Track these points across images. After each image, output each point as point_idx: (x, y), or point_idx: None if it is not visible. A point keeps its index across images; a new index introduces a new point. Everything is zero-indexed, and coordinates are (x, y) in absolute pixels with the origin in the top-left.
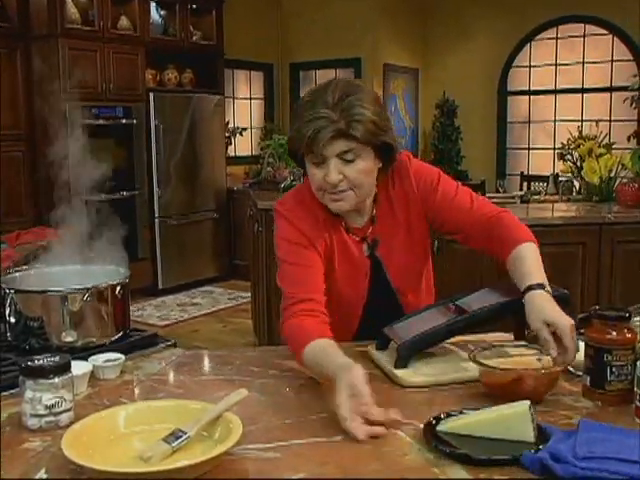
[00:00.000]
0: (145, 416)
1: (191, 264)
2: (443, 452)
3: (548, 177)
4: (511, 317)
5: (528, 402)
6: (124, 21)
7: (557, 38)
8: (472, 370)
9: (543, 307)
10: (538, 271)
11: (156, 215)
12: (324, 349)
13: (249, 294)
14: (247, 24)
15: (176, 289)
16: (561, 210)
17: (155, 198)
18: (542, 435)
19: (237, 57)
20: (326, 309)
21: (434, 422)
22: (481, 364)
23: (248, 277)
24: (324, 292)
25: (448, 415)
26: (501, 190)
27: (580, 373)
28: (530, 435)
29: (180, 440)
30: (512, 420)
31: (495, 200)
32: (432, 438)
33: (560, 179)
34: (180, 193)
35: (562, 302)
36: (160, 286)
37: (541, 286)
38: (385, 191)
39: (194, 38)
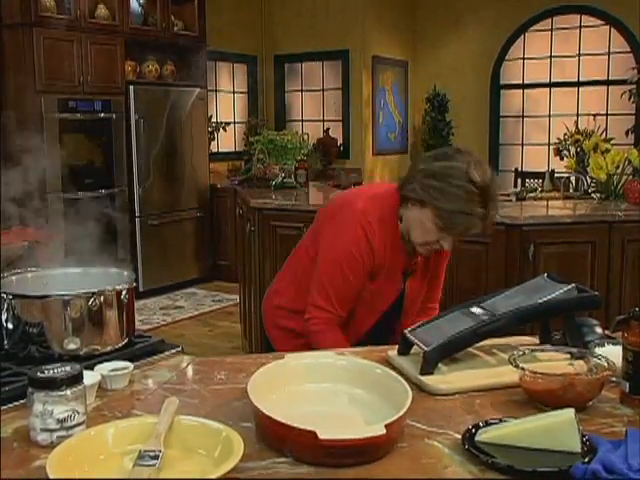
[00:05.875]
0: (136, 433)
1: (173, 265)
2: (486, 464)
3: (543, 173)
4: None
5: (573, 410)
6: (102, 10)
7: (552, 29)
8: (506, 375)
9: None
10: None
11: (136, 214)
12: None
13: (234, 296)
14: (230, 14)
15: (158, 291)
16: (567, 208)
17: (135, 196)
18: (588, 445)
19: (219, 48)
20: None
21: (473, 431)
22: (525, 369)
23: (232, 278)
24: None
25: (487, 424)
26: None
27: (615, 379)
28: (576, 445)
29: (160, 459)
30: (558, 429)
31: None
32: (473, 449)
33: (556, 175)
34: (161, 191)
35: (593, 305)
36: (141, 288)
37: None
38: None
39: (175, 28)
